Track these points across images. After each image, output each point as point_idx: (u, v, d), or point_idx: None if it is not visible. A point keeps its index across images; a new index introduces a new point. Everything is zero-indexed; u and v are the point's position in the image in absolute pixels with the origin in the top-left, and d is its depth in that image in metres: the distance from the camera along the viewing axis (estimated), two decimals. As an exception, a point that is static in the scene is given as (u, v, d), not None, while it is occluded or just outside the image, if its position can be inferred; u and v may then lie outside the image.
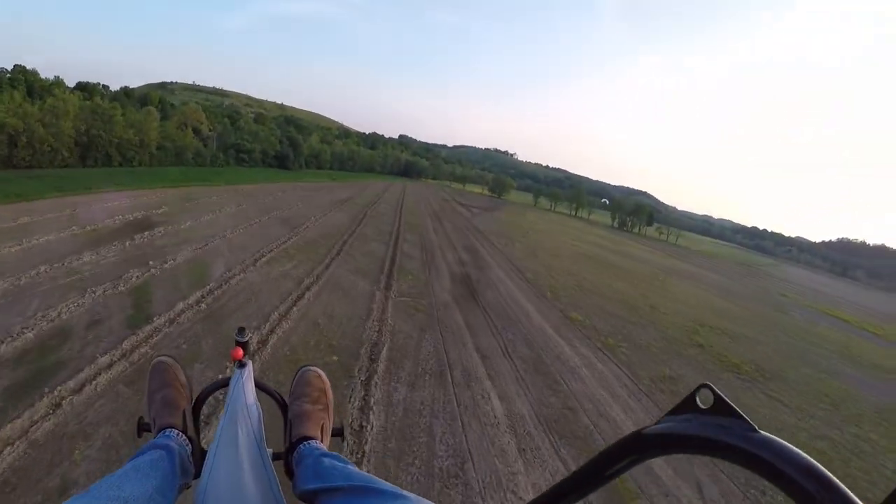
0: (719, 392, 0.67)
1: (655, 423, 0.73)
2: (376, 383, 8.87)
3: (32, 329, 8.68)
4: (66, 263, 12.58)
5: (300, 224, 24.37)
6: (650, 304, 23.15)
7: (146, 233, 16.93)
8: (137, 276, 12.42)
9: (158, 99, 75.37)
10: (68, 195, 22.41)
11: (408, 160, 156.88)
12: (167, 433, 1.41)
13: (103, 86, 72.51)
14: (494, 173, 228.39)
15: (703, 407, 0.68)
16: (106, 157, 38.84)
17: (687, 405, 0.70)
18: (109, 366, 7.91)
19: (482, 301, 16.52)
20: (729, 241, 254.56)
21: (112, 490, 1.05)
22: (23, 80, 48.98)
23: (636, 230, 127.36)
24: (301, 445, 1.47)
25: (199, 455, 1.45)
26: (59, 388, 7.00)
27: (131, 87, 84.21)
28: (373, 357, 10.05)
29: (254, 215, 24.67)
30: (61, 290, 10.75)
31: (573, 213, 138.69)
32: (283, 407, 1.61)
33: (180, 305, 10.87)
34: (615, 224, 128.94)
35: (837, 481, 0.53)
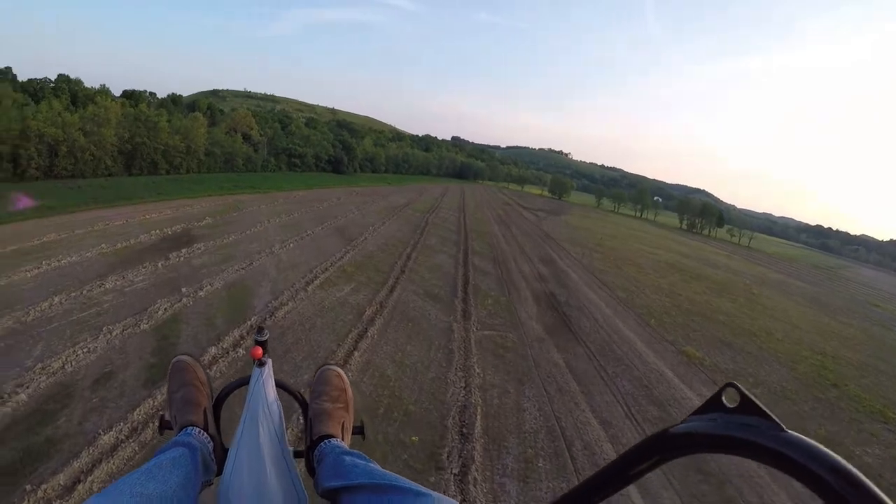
0: (745, 391, 0.65)
1: (681, 423, 0.71)
2: (475, 479, 6.46)
3: (28, 387, 7.03)
4: (85, 292, 10.88)
5: (357, 235, 22.29)
6: (761, 329, 20.33)
7: (184, 250, 15.07)
8: (165, 309, 10.52)
9: (207, 105, 74.41)
10: (105, 207, 20.91)
11: (463, 162, 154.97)
12: (189, 431, 1.42)
13: (150, 93, 71.75)
14: (551, 174, 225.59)
15: (729, 406, 0.66)
16: (151, 165, 38.06)
17: (713, 405, 0.68)
18: (113, 449, 6.10)
19: (579, 332, 14.04)
20: (793, 240, 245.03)
21: (135, 487, 1.04)
22: (66, 90, 48.38)
23: (706, 232, 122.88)
24: (322, 443, 1.47)
25: (221, 452, 1.45)
26: (44, 486, 5.36)
27: (183, 95, 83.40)
28: (464, 431, 7.66)
29: (306, 225, 22.74)
30: (73, 330, 9.03)
31: (638, 214, 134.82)
32: (304, 405, 1.60)
33: (213, 351, 8.90)
34: (683, 226, 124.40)
35: (866, 479, 0.52)
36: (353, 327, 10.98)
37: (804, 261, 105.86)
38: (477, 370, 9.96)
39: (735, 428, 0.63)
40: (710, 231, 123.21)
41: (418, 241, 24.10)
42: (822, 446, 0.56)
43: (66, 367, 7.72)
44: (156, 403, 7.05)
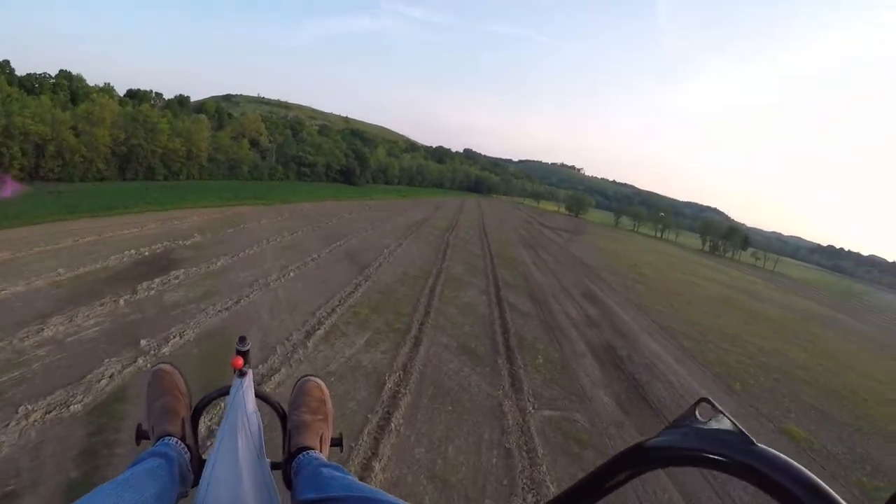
0: (718, 406, 0.68)
1: (656, 436, 0.73)
2: None
3: None
4: (14, 342, 8.19)
5: (371, 261, 19.40)
6: (845, 387, 17.63)
7: (157, 279, 12.31)
8: (112, 375, 7.68)
9: (215, 108, 72.00)
10: (81, 218, 18.20)
11: (478, 175, 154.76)
12: (166, 441, 1.40)
13: (155, 93, 69.00)
14: (564, 189, 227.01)
15: (702, 420, 0.69)
16: (148, 170, 35.73)
17: (686, 418, 0.70)
18: None
19: (660, 408, 10.97)
20: (805, 261, 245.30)
21: (109, 498, 1.03)
22: (66, 87, 45.98)
23: (729, 255, 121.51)
24: (300, 455, 1.46)
25: (198, 463, 1.44)
26: None
27: (194, 99, 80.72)
28: None
29: (311, 247, 19.87)
30: (-31, 411, 6.29)
31: (658, 234, 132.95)
32: (283, 417, 1.60)
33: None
34: (706, 248, 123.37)
35: (835, 495, 0.54)
36: (370, 412, 7.96)
37: (833, 287, 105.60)
38: (551, 488, 6.96)
39: (707, 441, 0.65)
40: (733, 254, 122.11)
41: (441, 268, 21.16)
42: (793, 461, 0.58)
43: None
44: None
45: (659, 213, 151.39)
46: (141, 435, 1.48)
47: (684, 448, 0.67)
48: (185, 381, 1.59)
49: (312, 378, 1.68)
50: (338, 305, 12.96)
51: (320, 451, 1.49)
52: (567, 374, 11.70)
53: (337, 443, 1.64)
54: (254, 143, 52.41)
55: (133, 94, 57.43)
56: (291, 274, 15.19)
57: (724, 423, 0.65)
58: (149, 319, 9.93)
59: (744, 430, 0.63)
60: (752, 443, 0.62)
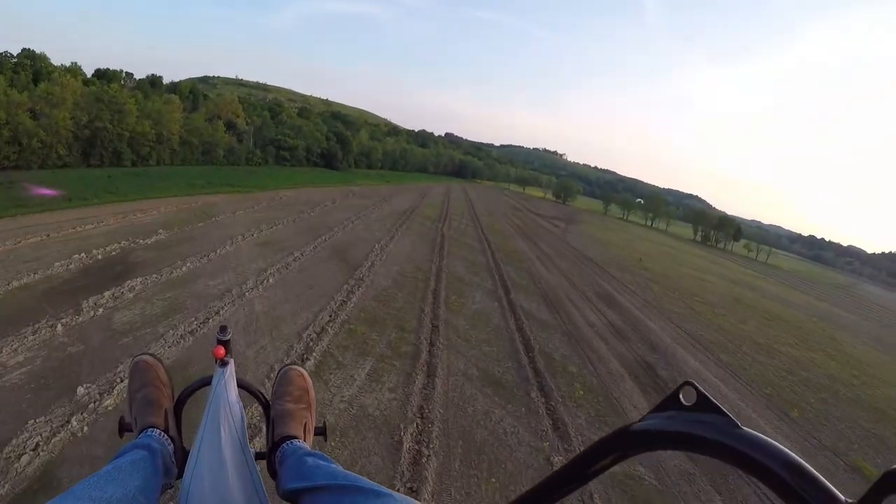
0: (702, 389, 0.68)
1: (640, 420, 0.73)
2: None
3: None
4: None
5: (362, 259, 17.43)
6: (888, 402, 16.63)
7: (108, 292, 10.30)
8: (37, 445, 5.72)
9: (189, 89, 68.84)
10: (30, 213, 16.07)
11: (461, 160, 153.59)
12: (149, 433, 1.39)
13: (126, 73, 65.75)
14: (546, 174, 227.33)
15: (686, 404, 0.69)
16: (114, 155, 33.39)
17: (670, 403, 0.70)
18: None
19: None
20: (786, 250, 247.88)
21: (93, 491, 1.02)
22: (29, 66, 43.01)
23: (721, 245, 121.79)
24: (284, 445, 1.44)
25: (182, 454, 1.42)
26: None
27: (169, 80, 77.06)
28: None
29: (293, 243, 17.85)
30: None
31: (649, 223, 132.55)
32: (266, 406, 1.59)
33: None
34: (697, 238, 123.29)
35: (818, 475, 0.55)
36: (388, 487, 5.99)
37: (820, 279, 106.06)
38: None
39: (692, 425, 0.65)
40: (725, 245, 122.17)
41: (440, 266, 19.20)
42: (776, 443, 0.58)
43: None
44: None
45: (636, 200, 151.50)
46: (124, 427, 1.46)
47: (670, 432, 0.67)
48: (166, 371, 1.54)
49: (294, 367, 1.66)
50: (328, 322, 10.96)
51: (304, 440, 1.48)
52: (612, 408, 9.87)
53: (321, 431, 1.60)
54: (230, 126, 50.12)
55: (101, 75, 54.68)
56: (271, 279, 13.20)
57: (709, 407, 0.65)
58: (92, 352, 7.91)
59: (729, 413, 0.64)
60: (738, 426, 0.62)
